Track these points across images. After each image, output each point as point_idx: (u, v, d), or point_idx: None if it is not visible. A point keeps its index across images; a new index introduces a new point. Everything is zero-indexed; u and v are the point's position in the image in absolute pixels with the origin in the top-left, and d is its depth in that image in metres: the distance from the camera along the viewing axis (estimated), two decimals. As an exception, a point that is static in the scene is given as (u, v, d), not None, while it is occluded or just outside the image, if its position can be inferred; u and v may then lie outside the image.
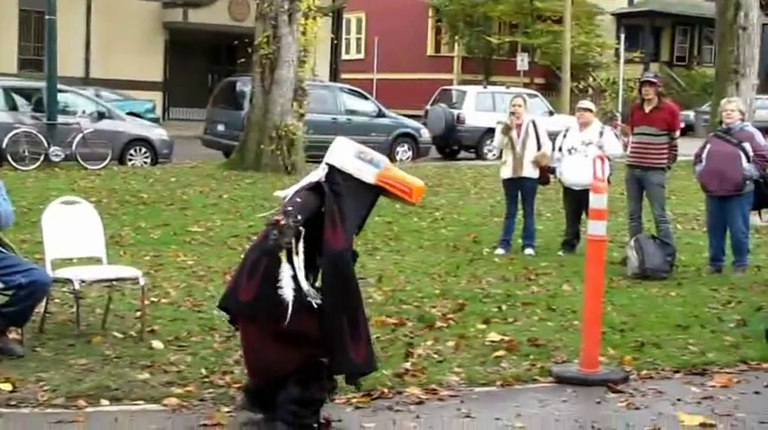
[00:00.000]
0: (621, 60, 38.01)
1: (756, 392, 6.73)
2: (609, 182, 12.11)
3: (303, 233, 5.42)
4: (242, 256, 5.95)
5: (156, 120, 28.89)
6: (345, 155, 5.65)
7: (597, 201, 7.21)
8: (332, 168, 5.65)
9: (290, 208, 5.40)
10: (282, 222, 5.28)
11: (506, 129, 12.07)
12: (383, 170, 5.63)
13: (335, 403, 6.08)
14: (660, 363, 7.32)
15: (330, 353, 5.55)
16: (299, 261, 5.44)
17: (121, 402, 6.09)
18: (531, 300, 9.37)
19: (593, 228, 7.15)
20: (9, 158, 19.42)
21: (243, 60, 24.06)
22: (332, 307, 5.46)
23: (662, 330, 8.28)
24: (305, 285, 5.43)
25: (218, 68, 37.74)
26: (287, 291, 5.38)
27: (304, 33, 20.61)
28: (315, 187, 5.57)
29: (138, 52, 36.32)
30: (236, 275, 5.78)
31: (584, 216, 12.10)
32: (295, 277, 5.41)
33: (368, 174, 5.60)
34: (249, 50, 21.08)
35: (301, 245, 5.43)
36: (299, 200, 5.49)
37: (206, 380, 6.53)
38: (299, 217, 5.34)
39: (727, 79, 22.65)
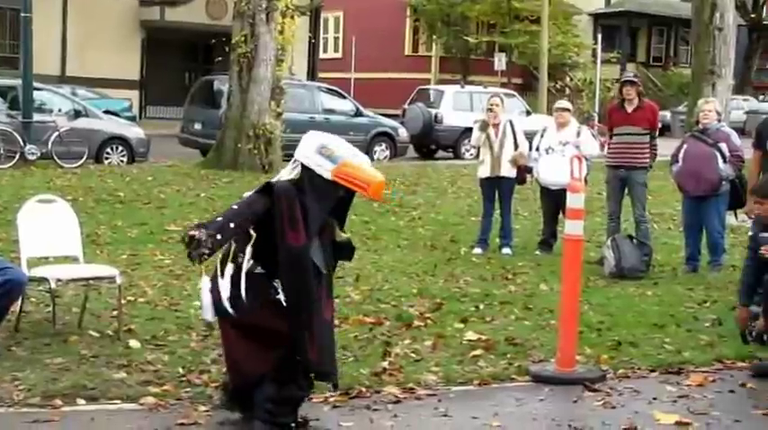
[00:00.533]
0: (599, 60, 38.12)
1: (731, 391, 6.77)
2: (586, 182, 12.22)
3: (254, 236, 5.46)
4: None
5: (132, 119, 28.76)
6: (308, 149, 5.63)
7: (574, 200, 7.22)
8: (303, 166, 5.62)
9: (217, 220, 5.42)
10: (195, 235, 5.30)
11: (484, 126, 12.09)
12: (339, 166, 5.55)
13: (313, 402, 6.07)
14: (636, 362, 7.35)
15: (297, 350, 5.54)
16: (246, 262, 5.47)
17: (98, 401, 6.07)
18: (508, 299, 9.39)
19: (571, 227, 7.16)
20: (-16, 156, 19.31)
21: (220, 59, 24.00)
22: (292, 303, 5.46)
23: (638, 329, 8.31)
24: (242, 286, 5.44)
25: (196, 67, 37.65)
26: (223, 293, 5.42)
27: (281, 32, 20.57)
28: (263, 189, 5.57)
29: (115, 50, 36.15)
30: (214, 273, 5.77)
31: (561, 216, 12.18)
32: (236, 278, 5.45)
33: (325, 170, 5.57)
34: (226, 49, 21.03)
35: (249, 248, 5.47)
36: (235, 206, 5.55)
37: (183, 379, 6.51)
38: (217, 232, 5.32)
39: (704, 80, 22.76)
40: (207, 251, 5.28)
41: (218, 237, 5.31)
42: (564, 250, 7.34)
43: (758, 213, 7.58)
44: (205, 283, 5.51)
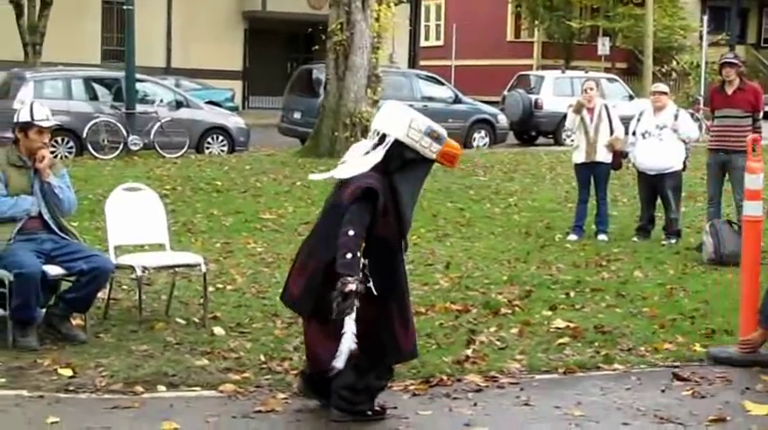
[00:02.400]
0: (704, 43, 37.18)
1: (828, 382, 6.51)
2: (685, 166, 11.95)
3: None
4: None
5: (235, 109, 29.09)
6: (408, 128, 5.44)
7: (753, 181, 7.21)
8: (398, 143, 5.47)
9: (347, 257, 5.16)
10: (354, 289, 5.14)
11: (579, 108, 11.85)
12: (444, 146, 5.49)
13: (393, 390, 6.01)
14: (730, 351, 7.11)
15: (384, 341, 5.48)
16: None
17: (178, 388, 6.10)
18: (600, 286, 9.19)
19: (749, 208, 7.18)
20: (89, 147, 19.68)
21: (317, 48, 24.07)
22: (383, 292, 5.38)
23: (735, 317, 8.02)
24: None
25: (297, 57, 37.84)
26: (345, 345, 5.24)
27: (377, 19, 20.53)
28: (367, 195, 5.34)
29: (218, 41, 36.62)
30: (293, 264, 5.76)
31: (658, 201, 11.91)
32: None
33: (432, 152, 5.47)
34: (324, 38, 21.06)
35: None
36: (352, 233, 5.22)
37: (264, 366, 6.51)
38: (357, 272, 5.19)
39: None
40: (353, 306, 5.18)
41: (360, 275, 5.24)
42: (744, 231, 7.35)
43: None
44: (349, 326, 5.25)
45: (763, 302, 6.95)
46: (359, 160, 5.53)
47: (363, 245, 5.31)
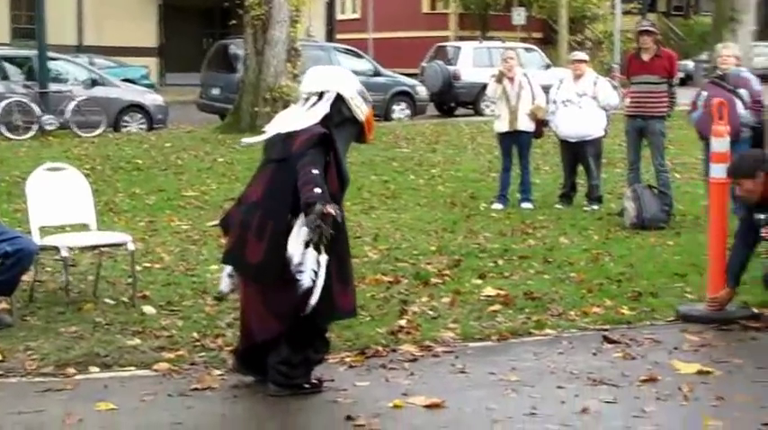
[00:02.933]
0: (618, 12, 37.60)
1: (753, 338, 6.66)
2: (606, 133, 12.10)
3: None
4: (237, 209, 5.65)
5: (151, 86, 28.68)
6: (348, 85, 5.51)
7: (719, 145, 7.34)
8: (339, 98, 5.48)
9: (317, 191, 5.10)
10: (333, 213, 5.09)
11: (500, 77, 11.92)
12: (369, 110, 5.57)
13: (329, 362, 6.00)
14: (657, 313, 7.24)
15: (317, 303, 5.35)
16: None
17: (111, 369, 6.02)
18: (527, 253, 9.28)
19: (715, 171, 7.28)
20: (2, 128, 19.28)
21: (234, 23, 23.85)
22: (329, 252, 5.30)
23: (659, 279, 8.20)
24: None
25: (213, 32, 37.37)
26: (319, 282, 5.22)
27: (295, -8, 20.41)
28: (322, 139, 5.32)
29: (132, 18, 36.01)
30: (238, 231, 5.52)
31: (580, 168, 12.05)
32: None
33: (362, 113, 5.51)
34: (241, 12, 20.86)
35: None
36: (315, 171, 5.19)
37: (197, 343, 6.46)
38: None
39: (724, 27, 22.37)
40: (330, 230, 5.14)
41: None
42: (710, 193, 7.47)
43: (740, 194, 7.34)
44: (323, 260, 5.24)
45: (729, 262, 7.15)
46: (303, 115, 5.48)
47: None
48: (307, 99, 5.54)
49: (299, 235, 5.23)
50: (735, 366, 6.03)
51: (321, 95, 5.49)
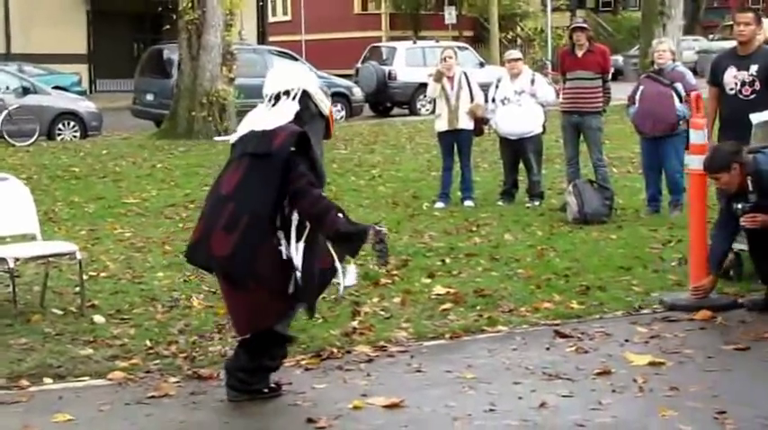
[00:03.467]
0: (549, 8, 38.05)
1: (702, 328, 6.78)
2: (544, 129, 12.23)
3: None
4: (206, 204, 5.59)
5: (82, 94, 28.39)
6: (311, 82, 5.57)
7: (697, 137, 7.52)
8: (305, 95, 5.48)
9: (341, 215, 5.28)
10: (383, 233, 5.28)
11: (439, 76, 11.98)
12: (330, 104, 5.65)
13: (285, 366, 6.00)
14: (606, 306, 7.34)
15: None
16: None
17: (65, 379, 5.96)
18: (474, 251, 9.35)
19: (693, 162, 7.46)
20: (-67, 140, 18.97)
21: (168, 27, 23.70)
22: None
23: (606, 273, 8.31)
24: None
25: (144, 37, 37.08)
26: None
27: (228, -3, 20.33)
28: (302, 138, 5.30)
29: (60, 24, 35.53)
30: (206, 224, 5.42)
31: (521, 165, 12.16)
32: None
33: (326, 107, 5.56)
34: (174, 17, 20.73)
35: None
36: (315, 191, 5.30)
37: (151, 351, 6.41)
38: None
39: (654, 21, 22.71)
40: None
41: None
42: (690, 185, 7.65)
43: (719, 187, 7.54)
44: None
45: (711, 250, 7.33)
46: (273, 114, 5.45)
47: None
48: (271, 100, 5.53)
49: (296, 243, 5.29)
50: (685, 356, 6.13)
51: (287, 94, 5.49)
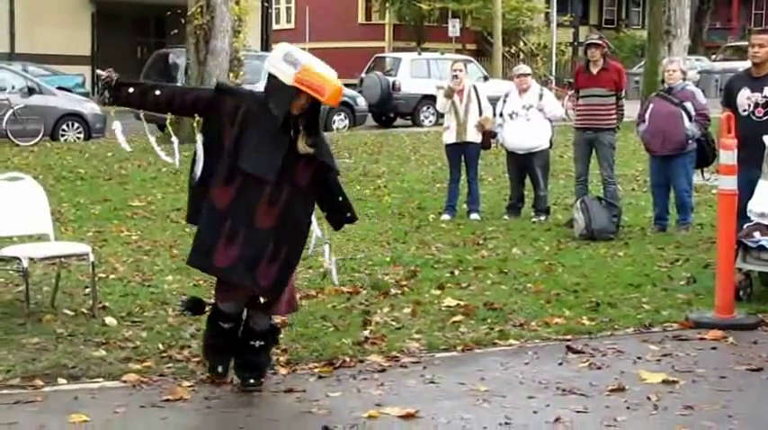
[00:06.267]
0: (553, 24, 38.13)
1: (713, 348, 6.79)
2: (552, 144, 12.26)
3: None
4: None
5: (86, 95, 28.36)
6: (275, 58, 5.66)
7: (726, 157, 7.49)
8: (270, 75, 5.66)
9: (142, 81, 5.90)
10: (102, 76, 5.85)
11: (450, 93, 12.02)
12: (300, 71, 5.54)
13: (297, 373, 6.03)
14: (617, 323, 7.35)
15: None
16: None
17: (80, 380, 5.96)
18: (482, 264, 9.36)
19: (724, 183, 7.46)
20: (-63, 137, 18.97)
21: (175, 32, 23.69)
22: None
23: (615, 290, 8.32)
24: None
25: (147, 41, 37.13)
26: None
27: (237, 3, 20.35)
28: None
29: (65, 26, 35.56)
30: (209, 234, 5.61)
31: (527, 180, 12.18)
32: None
33: (288, 76, 5.55)
34: (183, 21, 20.75)
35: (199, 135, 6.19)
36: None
37: (164, 354, 6.42)
38: (132, 86, 5.94)
39: (660, 40, 22.79)
40: (108, 95, 5.75)
41: (130, 90, 5.76)
42: (719, 204, 7.58)
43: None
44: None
45: None
46: None
47: None
48: None
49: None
50: (698, 375, 6.13)
51: None
